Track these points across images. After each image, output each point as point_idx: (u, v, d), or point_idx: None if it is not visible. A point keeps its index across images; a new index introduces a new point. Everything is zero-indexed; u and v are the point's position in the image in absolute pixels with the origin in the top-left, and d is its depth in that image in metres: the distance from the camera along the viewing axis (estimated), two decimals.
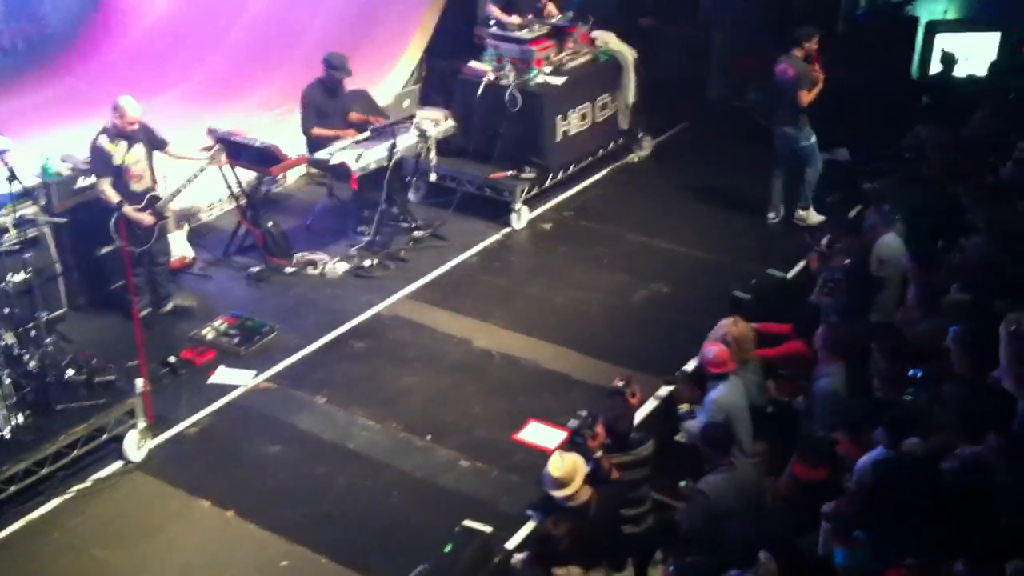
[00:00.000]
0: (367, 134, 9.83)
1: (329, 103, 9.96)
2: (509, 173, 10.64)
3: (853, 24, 13.19)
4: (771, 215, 10.80)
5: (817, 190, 10.63)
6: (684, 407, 7.13)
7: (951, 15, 13.26)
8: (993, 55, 12.38)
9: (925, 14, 13.11)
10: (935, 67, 12.31)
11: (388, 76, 12.50)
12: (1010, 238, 7.67)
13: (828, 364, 6.88)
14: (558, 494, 5.77)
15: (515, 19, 11.07)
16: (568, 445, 6.27)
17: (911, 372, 6.26)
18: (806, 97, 10.13)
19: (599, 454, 6.09)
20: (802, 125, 10.36)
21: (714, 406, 6.63)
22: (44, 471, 6.90)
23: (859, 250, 8.25)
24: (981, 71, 12.09)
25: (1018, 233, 7.69)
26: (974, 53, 12.37)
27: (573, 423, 6.22)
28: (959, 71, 11.98)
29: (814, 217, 10.56)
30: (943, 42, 12.47)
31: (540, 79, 10.75)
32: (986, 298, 7.09)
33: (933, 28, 12.81)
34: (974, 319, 6.76)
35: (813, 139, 10.43)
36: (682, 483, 6.34)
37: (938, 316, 7.07)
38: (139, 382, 7.39)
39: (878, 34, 12.53)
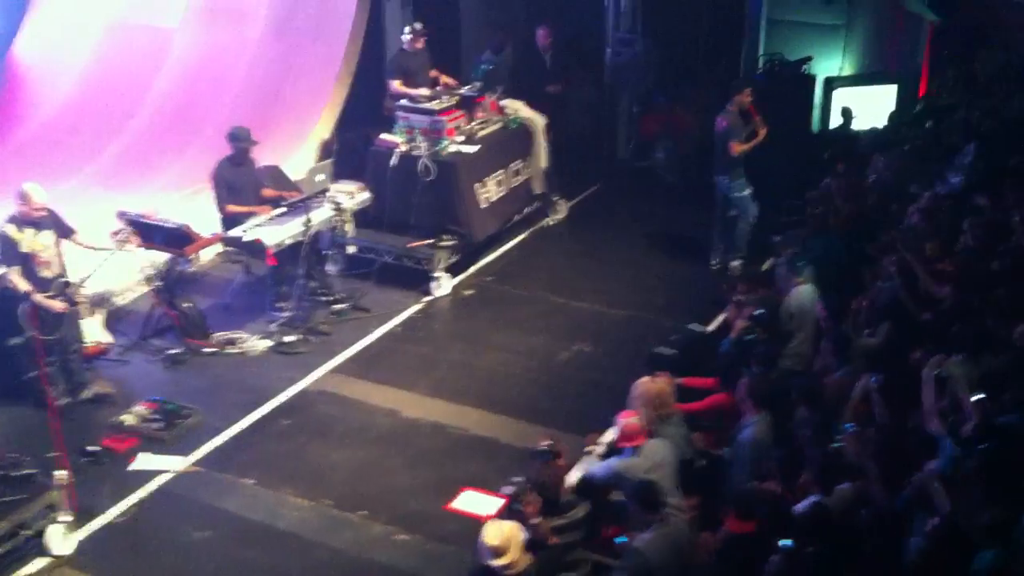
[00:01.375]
0: (282, 209, 9.81)
1: (240, 178, 9.94)
2: (427, 242, 10.68)
3: (753, 84, 13.58)
4: (712, 261, 11.08)
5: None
6: (588, 447, 7.20)
7: (847, 71, 13.76)
8: (891, 106, 12.86)
9: (822, 71, 13.58)
10: (835, 121, 12.72)
11: (299, 151, 12.53)
12: (918, 286, 7.94)
13: (751, 414, 7.00)
14: (496, 563, 5.73)
15: (423, 91, 11.21)
16: (505, 513, 6.25)
17: (845, 426, 6.40)
18: (736, 148, 10.48)
19: (537, 520, 6.09)
20: (735, 176, 10.70)
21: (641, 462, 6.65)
22: None
23: (770, 301, 8.46)
24: (881, 123, 12.54)
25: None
26: (872, 106, 12.84)
27: (509, 490, 6.22)
28: (859, 124, 12.41)
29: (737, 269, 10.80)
30: (841, 97, 12.92)
31: (452, 148, 10.87)
32: (898, 343, 7.32)
33: (831, 84, 13.27)
34: (888, 365, 6.97)
35: (747, 191, 10.74)
36: (617, 540, 6.35)
37: (851, 363, 7.28)
38: (59, 474, 7.17)
39: (778, 93, 12.93)
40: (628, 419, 6.75)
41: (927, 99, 12.54)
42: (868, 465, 6.10)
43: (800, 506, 5.98)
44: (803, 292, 8.30)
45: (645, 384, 7.32)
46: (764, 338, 8.02)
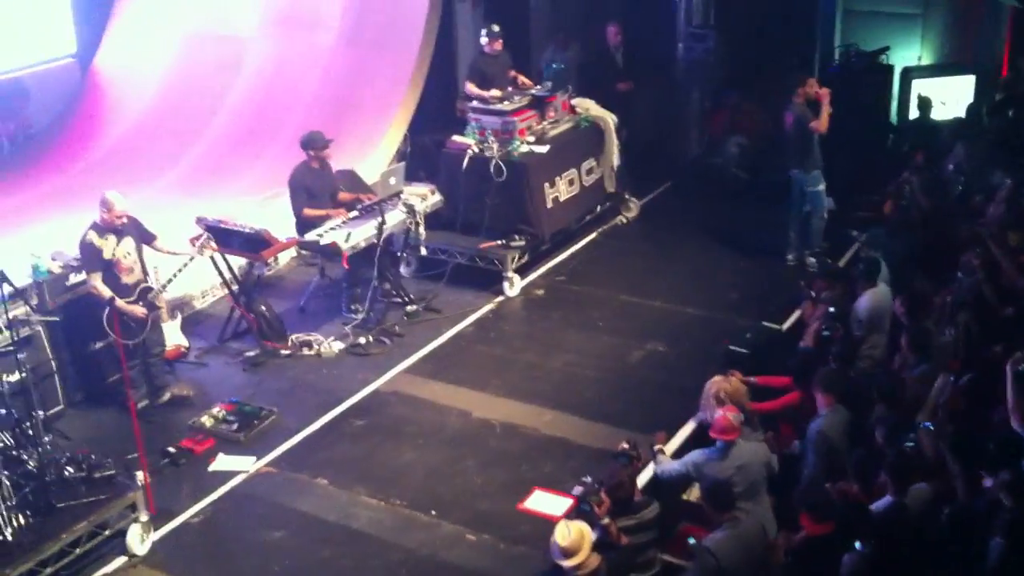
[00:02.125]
0: (355, 213, 9.91)
1: (317, 182, 10.05)
2: (499, 242, 10.69)
3: (828, 76, 13.37)
4: (788, 257, 10.95)
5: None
6: (658, 446, 7.13)
7: (925, 61, 13.46)
8: (970, 97, 12.55)
9: (899, 62, 13.31)
10: (913, 113, 12.46)
11: (372, 154, 12.63)
12: (1001, 279, 7.73)
13: (822, 406, 6.89)
14: (566, 564, 5.72)
15: (495, 92, 11.23)
16: (574, 513, 6.23)
17: (923, 425, 6.25)
18: (818, 126, 10.30)
19: (606, 520, 6.05)
20: (808, 168, 10.55)
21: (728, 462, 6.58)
22: (48, 571, 6.81)
23: (846, 299, 8.31)
24: (959, 113, 12.24)
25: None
26: (951, 96, 12.54)
27: (578, 490, 6.19)
28: (938, 115, 12.13)
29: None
30: (919, 88, 12.64)
31: (524, 148, 10.87)
32: (980, 338, 7.14)
33: (908, 75, 12.99)
34: (968, 360, 6.80)
35: (820, 186, 10.59)
36: (690, 541, 6.29)
37: (932, 360, 7.11)
38: (139, 475, 7.33)
39: (854, 84, 12.70)
40: (728, 413, 6.66)
41: (1007, 87, 12.20)
42: (948, 463, 5.96)
43: (875, 506, 5.87)
44: (875, 295, 8.13)
45: (720, 382, 7.24)
46: (841, 336, 7.87)
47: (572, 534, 5.72)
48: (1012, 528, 5.17)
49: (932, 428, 6.20)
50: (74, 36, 14.16)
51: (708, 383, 7.32)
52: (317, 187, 10.03)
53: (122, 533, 7.24)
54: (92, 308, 8.49)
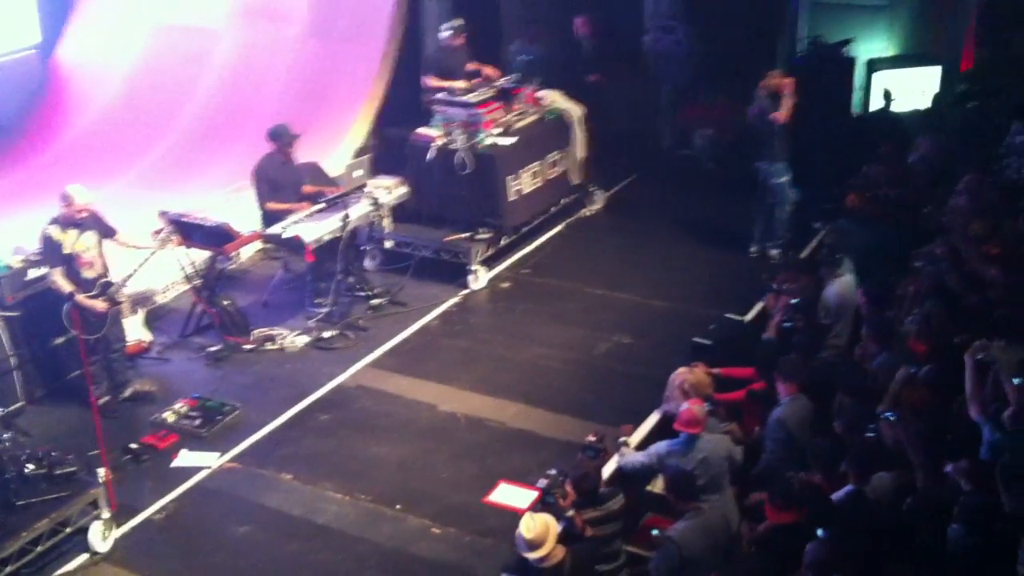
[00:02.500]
0: (320, 206, 9.85)
1: (282, 175, 9.98)
2: (464, 235, 10.67)
3: (792, 67, 13.41)
4: (751, 249, 11.01)
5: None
6: (623, 438, 7.14)
7: (891, 52, 13.52)
8: (935, 88, 12.61)
9: (866, 53, 13.36)
10: (876, 104, 12.52)
11: (339, 146, 12.57)
12: (965, 268, 7.79)
13: (782, 394, 6.92)
14: (532, 556, 5.72)
15: (460, 83, 11.19)
16: (539, 505, 6.23)
17: (884, 415, 6.28)
18: (778, 117, 10.38)
19: (571, 512, 6.05)
20: (772, 160, 10.61)
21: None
22: (8, 569, 6.75)
23: (809, 290, 8.34)
24: (923, 105, 12.31)
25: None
26: (915, 88, 12.60)
27: (543, 483, 6.19)
28: (900, 106, 12.19)
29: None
30: (883, 79, 12.70)
31: (490, 141, 10.84)
32: (944, 329, 7.17)
33: (873, 66, 13.04)
34: (932, 350, 6.84)
35: (784, 178, 10.66)
36: (654, 532, 6.30)
37: (894, 350, 7.15)
38: (101, 471, 7.27)
39: (818, 75, 12.74)
40: (693, 405, 6.66)
41: (970, 79, 12.28)
42: (910, 453, 6.00)
43: (837, 495, 5.90)
44: (842, 284, 8.18)
45: (684, 373, 7.26)
46: (803, 327, 7.90)
47: (537, 526, 5.72)
48: (971, 514, 5.21)
49: (893, 418, 6.23)
50: (38, 26, 13.98)
51: (673, 375, 7.34)
52: (282, 180, 9.96)
53: (84, 530, 7.19)
54: (52, 303, 8.41)
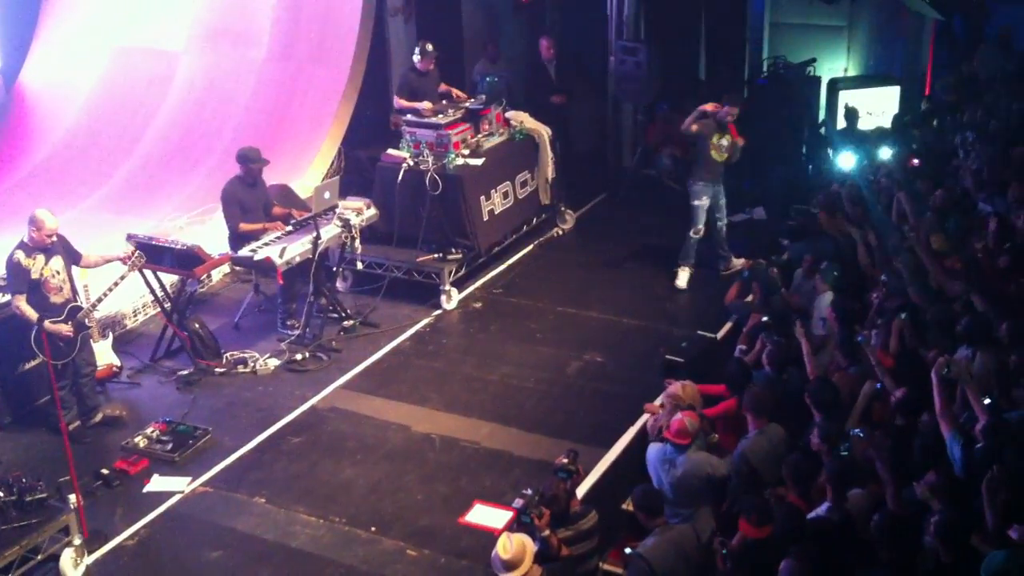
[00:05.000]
0: (288, 228, 9.85)
1: (250, 197, 9.96)
2: (435, 256, 10.69)
3: (758, 88, 13.59)
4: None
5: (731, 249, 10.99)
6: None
7: (851, 72, 13.73)
8: (895, 107, 12.83)
9: (827, 73, 13.56)
10: (840, 123, 12.71)
11: (307, 169, 12.57)
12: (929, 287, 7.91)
13: (751, 427, 6.95)
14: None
15: (426, 105, 11.24)
16: (515, 525, 6.23)
17: (852, 432, 6.34)
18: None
19: (546, 532, 6.06)
20: (692, 183, 10.84)
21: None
22: None
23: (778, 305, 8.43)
24: (886, 123, 12.51)
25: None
26: (877, 107, 12.80)
27: (519, 503, 6.19)
28: (865, 124, 12.38)
29: (682, 278, 10.91)
30: (846, 98, 12.89)
31: (459, 161, 10.89)
32: (910, 343, 7.28)
33: (835, 86, 13.24)
34: (900, 366, 6.93)
35: (697, 201, 10.78)
36: (627, 550, 6.31)
37: (860, 363, 7.23)
38: (72, 497, 7.19)
39: (783, 96, 12.91)
40: (686, 417, 6.64)
41: (931, 99, 12.51)
42: (879, 469, 6.05)
43: (816, 512, 5.94)
44: (827, 298, 8.28)
45: (677, 388, 7.24)
46: (775, 342, 7.95)
47: (514, 547, 5.72)
48: (943, 529, 5.27)
49: (861, 435, 6.29)
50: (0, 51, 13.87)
51: (672, 386, 7.32)
52: (250, 202, 9.94)
53: (55, 557, 7.10)
54: (20, 329, 8.34)
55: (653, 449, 6.80)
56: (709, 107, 10.62)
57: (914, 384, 6.59)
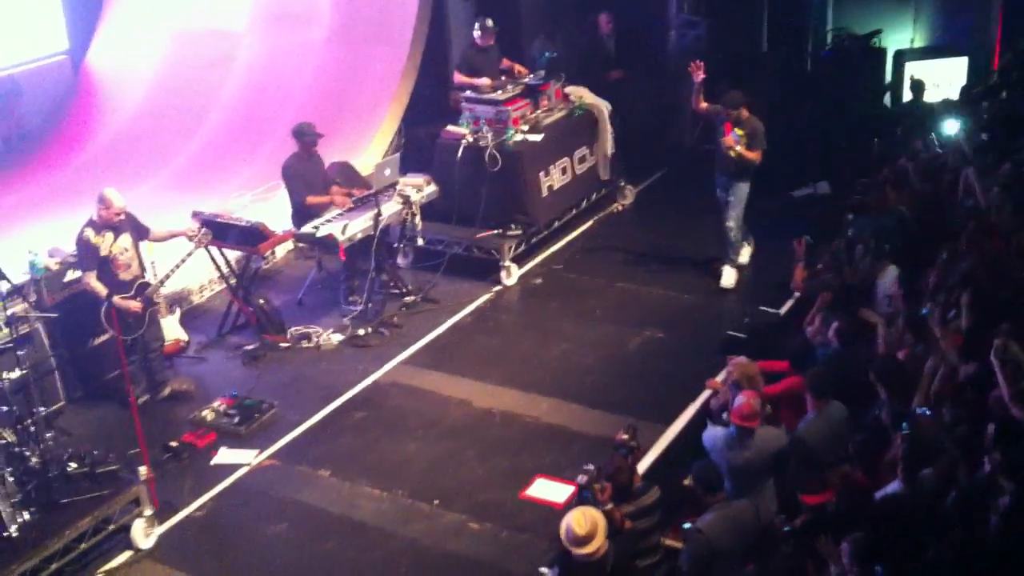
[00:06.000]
0: (350, 205, 9.93)
1: (310, 172, 10.06)
2: (495, 232, 10.71)
3: (821, 61, 13.40)
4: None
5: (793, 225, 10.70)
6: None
7: (917, 43, 13.47)
8: (963, 79, 12.57)
9: (892, 44, 13.32)
10: (906, 95, 12.49)
11: (367, 147, 12.64)
12: (997, 262, 7.75)
13: (810, 407, 6.88)
14: (582, 551, 5.66)
15: (485, 81, 11.24)
16: (576, 500, 6.23)
17: (919, 411, 6.25)
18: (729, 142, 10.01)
19: (609, 507, 6.07)
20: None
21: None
22: (53, 567, 6.82)
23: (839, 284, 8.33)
24: (953, 96, 12.26)
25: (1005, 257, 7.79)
26: (944, 79, 12.56)
27: (581, 479, 6.17)
28: (931, 97, 12.15)
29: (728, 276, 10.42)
30: (912, 70, 12.66)
31: (518, 137, 10.89)
32: (980, 322, 7.13)
33: (901, 57, 13.01)
34: (970, 346, 6.80)
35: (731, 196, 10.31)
36: (685, 525, 6.31)
37: (926, 341, 7.12)
38: (142, 470, 7.34)
39: (847, 68, 12.71)
40: (748, 398, 6.57)
41: (1002, 70, 12.23)
42: (947, 448, 5.97)
43: (886, 491, 5.87)
44: (893, 273, 8.16)
45: (745, 365, 7.18)
46: (844, 316, 7.84)
47: (588, 522, 5.68)
48: (1010, 510, 5.18)
49: (928, 413, 6.21)
50: (65, 33, 14.12)
51: (735, 363, 7.26)
52: (311, 176, 10.05)
53: (126, 528, 7.27)
54: (90, 304, 8.50)
55: (716, 433, 6.71)
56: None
57: (984, 360, 6.49)
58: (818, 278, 8.78)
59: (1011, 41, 12.47)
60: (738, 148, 9.84)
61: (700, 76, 9.99)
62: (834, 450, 6.68)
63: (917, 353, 7.13)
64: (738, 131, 9.90)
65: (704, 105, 10.15)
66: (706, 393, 7.80)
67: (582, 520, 5.69)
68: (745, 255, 10.60)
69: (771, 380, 7.56)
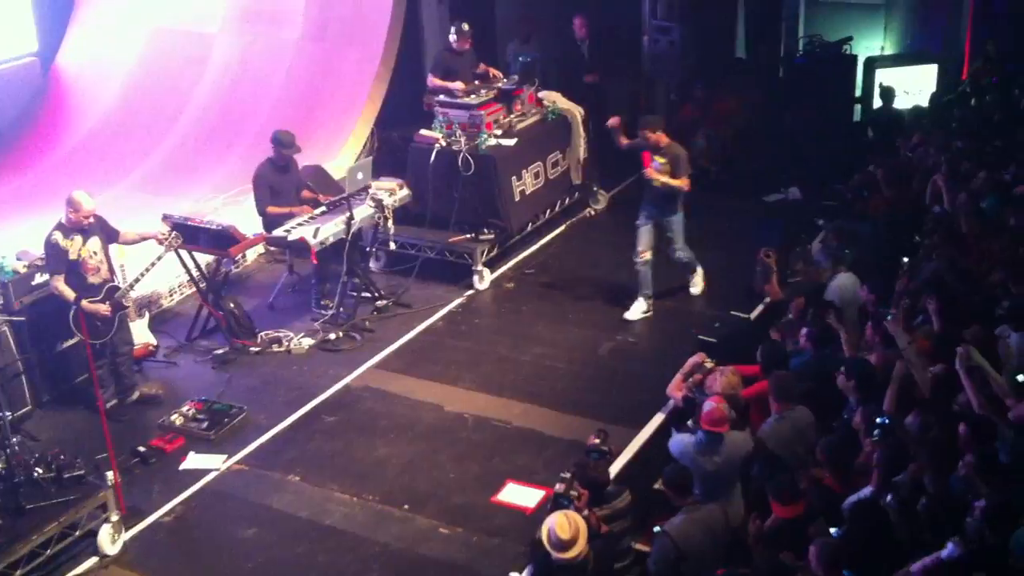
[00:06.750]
0: (323, 208, 9.89)
1: (281, 181, 10.01)
2: (468, 236, 10.70)
3: (794, 67, 13.48)
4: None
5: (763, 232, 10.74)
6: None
7: (888, 51, 13.58)
8: (932, 87, 12.68)
9: (863, 51, 13.42)
10: (876, 102, 12.58)
11: (340, 149, 12.60)
12: (964, 269, 7.83)
13: (773, 410, 6.92)
14: (566, 555, 5.66)
15: (459, 84, 11.23)
16: (551, 506, 6.20)
17: (878, 420, 6.28)
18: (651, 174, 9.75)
19: (586, 512, 6.06)
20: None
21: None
22: (18, 573, 6.75)
23: (812, 288, 8.38)
24: (922, 103, 12.37)
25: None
26: (914, 86, 12.67)
27: (560, 487, 6.14)
28: (901, 104, 12.25)
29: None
30: (882, 77, 12.75)
31: (491, 142, 10.88)
32: (948, 325, 7.20)
33: (872, 64, 13.10)
34: (939, 349, 6.86)
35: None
36: (656, 529, 6.31)
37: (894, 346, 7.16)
38: (109, 474, 7.27)
39: (819, 75, 12.79)
40: (717, 404, 6.59)
41: (972, 77, 12.35)
42: (918, 453, 6.00)
43: (859, 495, 5.88)
44: (843, 279, 8.21)
45: (729, 376, 7.19)
46: (816, 319, 7.89)
47: (572, 526, 5.68)
48: (991, 513, 5.21)
49: (887, 422, 6.23)
50: (35, 33, 14.00)
51: (716, 371, 7.27)
52: (280, 185, 10.00)
53: (93, 533, 7.20)
54: (58, 308, 8.42)
55: (684, 439, 6.71)
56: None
57: (951, 364, 6.54)
58: (793, 283, 8.85)
59: (981, 49, 12.59)
60: (662, 179, 9.57)
61: (615, 120, 9.82)
62: (797, 453, 6.71)
63: (888, 356, 7.19)
64: (659, 159, 9.62)
65: (625, 141, 9.89)
66: (671, 403, 7.83)
67: (565, 524, 5.68)
68: (698, 285, 10.30)
69: (743, 384, 7.60)
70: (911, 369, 6.70)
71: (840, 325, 7.62)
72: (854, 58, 13.27)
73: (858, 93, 13.26)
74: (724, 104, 13.28)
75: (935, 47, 13.31)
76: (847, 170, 10.80)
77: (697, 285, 10.26)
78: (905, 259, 8.10)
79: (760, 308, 9.47)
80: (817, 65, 13.03)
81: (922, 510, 5.62)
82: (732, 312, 9.37)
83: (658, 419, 8.23)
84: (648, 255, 9.87)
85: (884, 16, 13.55)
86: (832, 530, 5.63)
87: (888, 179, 9.83)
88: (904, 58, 13.28)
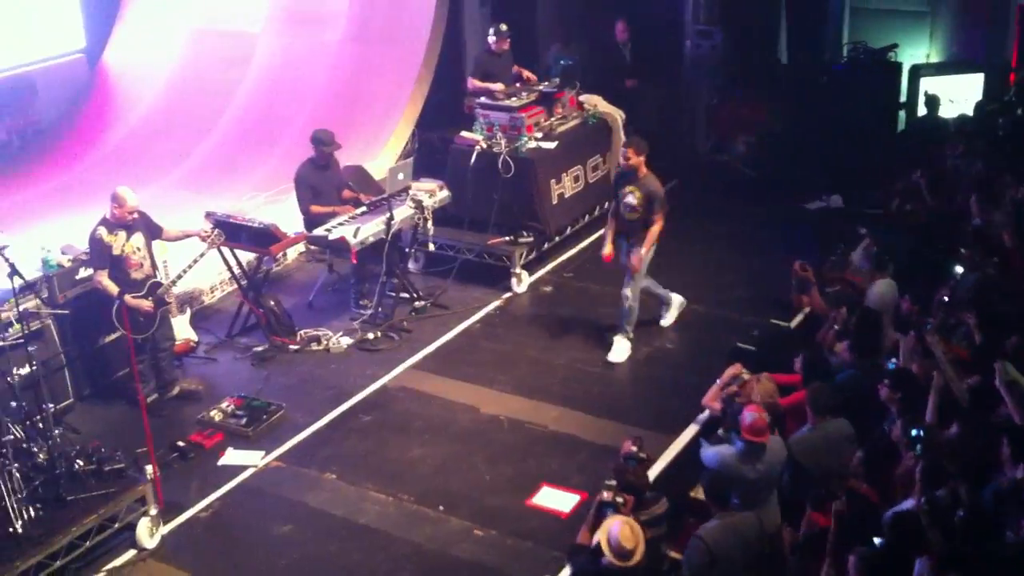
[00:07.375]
0: (363, 208, 9.95)
1: (322, 180, 10.07)
2: (506, 238, 10.71)
3: (836, 74, 13.38)
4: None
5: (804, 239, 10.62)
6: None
7: (933, 58, 13.45)
8: (978, 95, 12.55)
9: (908, 59, 13.31)
10: (921, 110, 12.47)
11: (380, 151, 12.66)
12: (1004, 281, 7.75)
13: (809, 421, 6.90)
14: (628, 563, 5.63)
15: (499, 87, 11.25)
16: (595, 513, 6.17)
17: (913, 432, 6.23)
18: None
19: (631, 518, 6.04)
20: None
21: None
22: (57, 564, 6.83)
23: (855, 297, 8.32)
24: (968, 111, 12.25)
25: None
26: (959, 94, 12.54)
27: (606, 495, 6.11)
28: (946, 112, 12.13)
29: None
30: (927, 85, 12.64)
31: (531, 144, 10.89)
32: (988, 338, 7.12)
33: (917, 72, 12.99)
34: (979, 362, 6.79)
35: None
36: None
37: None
38: (148, 468, 7.36)
39: (863, 82, 12.69)
40: (760, 414, 6.55)
41: (1017, 86, 12.21)
42: (953, 466, 5.95)
43: (901, 507, 5.83)
44: (883, 286, 8.15)
45: (753, 382, 7.16)
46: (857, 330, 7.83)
47: (635, 535, 5.66)
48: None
49: (922, 434, 6.16)
50: (82, 31, 14.19)
51: (748, 380, 7.25)
52: (322, 184, 10.05)
53: (132, 526, 7.28)
54: (101, 302, 8.52)
55: (722, 450, 6.66)
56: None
57: (989, 377, 6.47)
58: (833, 292, 8.78)
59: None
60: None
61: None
62: (824, 464, 6.66)
63: (926, 367, 7.13)
64: (631, 189, 9.05)
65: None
66: (707, 412, 7.80)
67: (629, 534, 5.65)
68: (672, 314, 9.94)
69: (782, 393, 7.57)
70: (947, 380, 6.64)
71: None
72: (898, 65, 13.16)
73: (903, 99, 13.14)
74: (764, 110, 13.22)
75: (980, 55, 13.17)
76: (889, 178, 10.69)
77: (621, 351, 9.43)
78: (958, 268, 8.00)
79: (800, 317, 9.40)
80: (859, 71, 12.92)
81: (959, 523, 5.56)
82: (772, 320, 9.30)
83: (693, 428, 8.20)
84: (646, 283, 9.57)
85: (929, 24, 13.42)
86: (876, 540, 5.59)
87: (931, 187, 9.74)
88: (949, 66, 13.15)
